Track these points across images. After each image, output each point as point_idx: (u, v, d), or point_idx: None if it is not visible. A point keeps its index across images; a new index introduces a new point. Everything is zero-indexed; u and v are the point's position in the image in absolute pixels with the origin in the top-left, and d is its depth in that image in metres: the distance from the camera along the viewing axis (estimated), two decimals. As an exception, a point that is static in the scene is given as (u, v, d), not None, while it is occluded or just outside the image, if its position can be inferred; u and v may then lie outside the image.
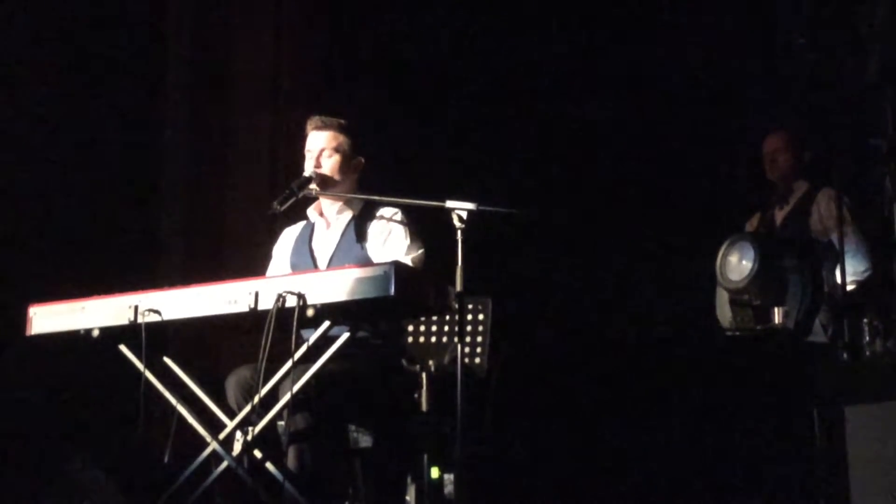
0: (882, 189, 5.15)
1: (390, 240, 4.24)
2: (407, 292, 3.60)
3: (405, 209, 4.28)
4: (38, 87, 5.63)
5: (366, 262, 4.05)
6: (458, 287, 3.84)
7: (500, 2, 6.60)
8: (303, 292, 3.64)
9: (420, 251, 4.22)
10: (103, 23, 5.86)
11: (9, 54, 5.52)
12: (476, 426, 4.15)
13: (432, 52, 6.56)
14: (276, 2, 6.35)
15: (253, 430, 3.76)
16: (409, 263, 4.08)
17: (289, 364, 3.69)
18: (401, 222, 4.26)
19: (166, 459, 3.85)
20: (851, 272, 4.91)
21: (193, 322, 3.84)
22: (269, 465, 3.75)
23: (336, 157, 4.31)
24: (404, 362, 4.24)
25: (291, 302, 3.65)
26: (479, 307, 4.57)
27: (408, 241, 4.23)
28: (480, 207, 3.92)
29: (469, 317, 4.48)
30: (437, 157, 6.38)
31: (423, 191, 4.10)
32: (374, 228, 4.27)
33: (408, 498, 4.16)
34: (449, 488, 4.26)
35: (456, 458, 3.85)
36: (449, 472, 4.14)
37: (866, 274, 5.07)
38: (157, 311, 3.83)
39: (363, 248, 4.22)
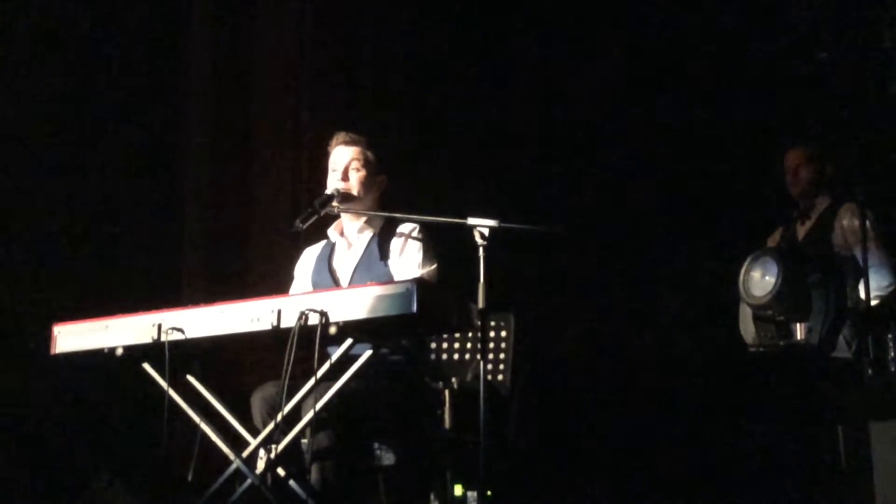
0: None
1: (404, 254, 4.24)
2: (429, 309, 3.58)
3: (426, 226, 4.28)
4: (55, 103, 5.67)
5: (387, 279, 4.06)
6: (481, 304, 3.84)
7: (522, 20, 6.61)
8: (325, 310, 3.63)
9: (433, 267, 4.22)
10: (124, 46, 5.90)
11: (22, 68, 5.57)
12: (499, 443, 4.14)
13: (454, 68, 6.58)
14: (299, 21, 6.37)
15: (276, 448, 3.76)
16: (421, 278, 4.09)
17: (312, 382, 3.70)
18: (417, 238, 4.26)
19: (190, 477, 3.86)
20: (875, 287, 4.88)
21: (216, 340, 3.84)
22: (292, 483, 3.74)
23: (362, 173, 4.32)
24: (427, 379, 4.23)
25: (314, 320, 3.64)
26: (502, 323, 4.56)
27: (421, 255, 4.23)
28: (502, 224, 3.92)
29: (492, 333, 4.47)
30: (459, 173, 6.39)
31: (446, 208, 4.11)
32: (394, 245, 4.28)
33: (430, 515, 4.16)
34: (472, 505, 4.25)
35: (479, 474, 3.84)
36: (472, 489, 4.13)
37: (890, 289, 5.03)
38: (180, 330, 3.83)
39: (385, 265, 4.22)
